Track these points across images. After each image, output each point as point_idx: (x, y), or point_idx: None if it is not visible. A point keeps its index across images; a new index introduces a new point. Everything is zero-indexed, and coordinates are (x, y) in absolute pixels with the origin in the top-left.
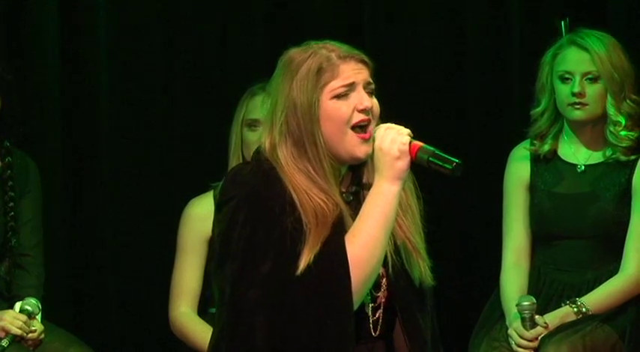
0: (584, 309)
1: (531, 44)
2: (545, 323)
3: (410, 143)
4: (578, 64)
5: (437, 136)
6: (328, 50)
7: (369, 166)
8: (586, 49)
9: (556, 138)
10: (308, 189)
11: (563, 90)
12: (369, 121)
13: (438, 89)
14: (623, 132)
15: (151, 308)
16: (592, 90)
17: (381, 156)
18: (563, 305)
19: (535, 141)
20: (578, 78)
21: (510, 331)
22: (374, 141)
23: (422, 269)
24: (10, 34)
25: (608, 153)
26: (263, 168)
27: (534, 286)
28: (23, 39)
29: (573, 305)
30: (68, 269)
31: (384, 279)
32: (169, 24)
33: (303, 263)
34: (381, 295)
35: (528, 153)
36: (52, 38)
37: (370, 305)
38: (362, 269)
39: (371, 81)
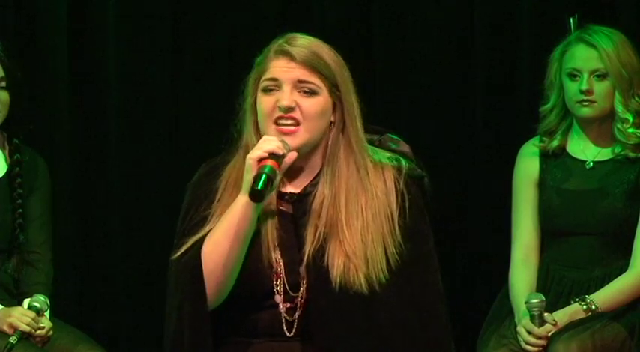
0: (593, 307)
1: (540, 40)
2: (554, 320)
3: (260, 159)
4: (586, 62)
5: (446, 133)
6: (276, 44)
7: (328, 170)
8: (594, 46)
9: (565, 134)
10: (229, 182)
11: (572, 88)
12: (290, 119)
13: (446, 86)
14: (630, 130)
15: (159, 304)
16: (600, 88)
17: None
18: (572, 302)
19: (544, 138)
20: (586, 75)
21: (519, 328)
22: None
23: (347, 270)
24: (19, 31)
25: (617, 149)
26: (217, 160)
27: (543, 283)
28: (32, 36)
29: (582, 303)
30: (77, 266)
31: (304, 280)
32: (179, 23)
33: (178, 254)
34: (300, 296)
35: (537, 149)
36: (60, 35)
37: (286, 305)
38: (208, 262)
39: (305, 80)
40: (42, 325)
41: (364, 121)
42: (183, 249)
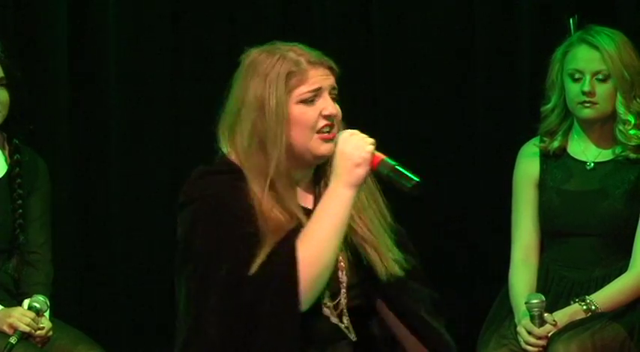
0: (593, 307)
1: (541, 40)
2: (554, 320)
3: (373, 153)
4: (589, 63)
5: (446, 133)
6: (297, 54)
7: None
8: (596, 48)
9: (566, 135)
10: (264, 196)
11: (573, 89)
12: (332, 126)
13: (447, 86)
14: (632, 131)
15: (159, 305)
16: (602, 89)
17: (341, 160)
18: (572, 303)
19: (545, 138)
20: (588, 77)
21: (519, 328)
22: (336, 143)
23: (384, 264)
24: (19, 31)
25: (618, 150)
26: (227, 171)
27: (543, 284)
28: (32, 36)
29: (582, 303)
30: (77, 266)
31: (343, 285)
32: (179, 23)
33: (256, 264)
34: (341, 302)
35: (538, 149)
36: (60, 35)
37: (334, 312)
38: (311, 271)
39: (336, 87)
40: (42, 325)
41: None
42: (258, 261)
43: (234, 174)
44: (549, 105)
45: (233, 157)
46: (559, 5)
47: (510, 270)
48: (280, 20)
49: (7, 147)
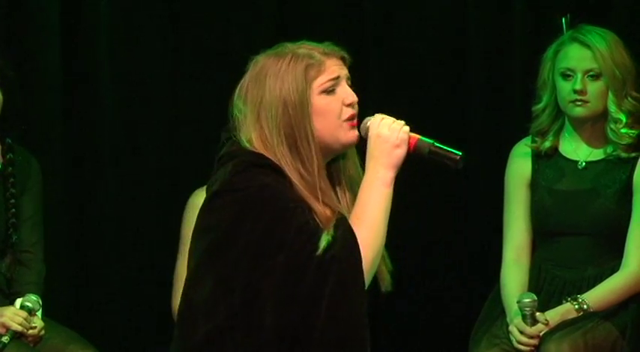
0: (585, 306)
1: (533, 40)
2: (546, 320)
3: (409, 134)
4: (580, 61)
5: (437, 133)
6: (308, 49)
7: (347, 161)
8: (588, 46)
9: (557, 134)
10: (307, 192)
11: (565, 87)
12: (355, 114)
13: (438, 85)
14: (623, 130)
15: (153, 304)
16: (593, 88)
17: (380, 143)
18: (564, 302)
19: (536, 138)
20: (579, 75)
21: (511, 328)
22: (365, 132)
23: (385, 275)
24: (10, 31)
25: (609, 150)
26: (267, 166)
27: (535, 283)
28: (24, 35)
29: (574, 302)
30: (69, 266)
31: None
32: (176, 22)
33: (321, 248)
34: None
35: (529, 149)
36: (53, 34)
37: None
38: (370, 252)
39: (349, 76)
40: (34, 325)
41: None
42: (322, 246)
43: (274, 168)
44: (541, 105)
45: (268, 154)
46: (551, 5)
47: (502, 270)
48: (276, 20)
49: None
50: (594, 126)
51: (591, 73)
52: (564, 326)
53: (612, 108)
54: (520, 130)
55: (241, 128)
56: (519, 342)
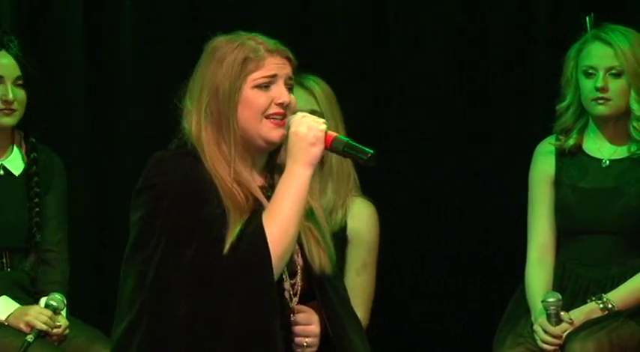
0: (609, 305)
1: (556, 39)
2: (571, 319)
3: (326, 132)
4: (602, 59)
5: (462, 132)
6: (257, 42)
7: (283, 157)
8: (610, 44)
9: (581, 132)
10: (222, 176)
11: (587, 85)
12: (284, 115)
13: (462, 84)
14: None
15: None
16: (615, 86)
17: (297, 141)
18: (588, 301)
19: (560, 136)
20: (601, 73)
21: (536, 327)
22: (288, 128)
23: (320, 257)
24: (35, 31)
25: (633, 148)
26: (187, 155)
27: (559, 282)
28: (48, 35)
29: (599, 302)
30: (93, 264)
31: (299, 268)
32: (194, 22)
33: (228, 244)
34: (297, 283)
35: (554, 148)
36: (77, 35)
37: (289, 291)
38: (279, 247)
39: (292, 77)
40: (58, 323)
41: None
42: (229, 240)
43: (191, 158)
44: (564, 103)
45: (194, 141)
46: (575, 4)
47: (526, 269)
48: (300, 20)
49: (24, 146)
50: (617, 124)
51: (613, 71)
52: (589, 325)
53: (635, 106)
54: (543, 129)
55: (186, 114)
56: (544, 341)
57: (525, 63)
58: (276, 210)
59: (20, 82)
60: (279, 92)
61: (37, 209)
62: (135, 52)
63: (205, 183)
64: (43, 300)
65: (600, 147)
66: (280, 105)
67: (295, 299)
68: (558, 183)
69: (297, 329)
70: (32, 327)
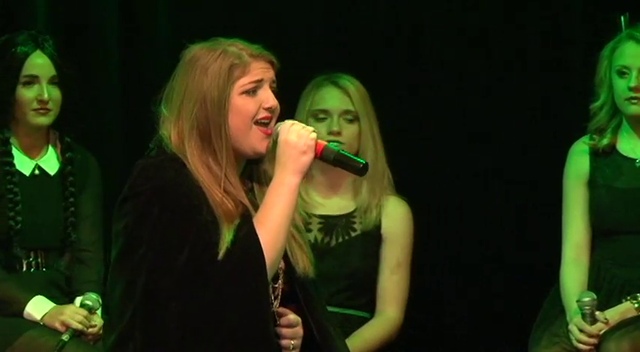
0: None
1: (592, 39)
2: (606, 319)
3: (316, 140)
4: (635, 59)
5: (496, 132)
6: (238, 48)
7: (266, 164)
8: None
9: (615, 132)
10: (211, 184)
11: (620, 85)
12: (271, 119)
13: (496, 84)
14: None
15: None
16: None
17: (287, 149)
18: (623, 301)
19: (594, 136)
20: (635, 72)
21: (571, 326)
22: (275, 136)
23: (305, 261)
24: (71, 31)
25: None
26: (172, 161)
27: (594, 282)
28: (84, 35)
29: (634, 301)
30: None
31: (281, 271)
32: (228, 24)
33: (222, 250)
34: (279, 286)
35: (588, 147)
36: (112, 35)
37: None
38: (271, 253)
39: (275, 80)
40: (94, 323)
41: None
42: (224, 246)
43: (177, 164)
44: (598, 103)
45: (174, 149)
46: (610, 4)
47: (561, 269)
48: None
49: (59, 146)
50: None
51: None
52: (624, 324)
53: None
54: (577, 129)
55: (164, 122)
56: (579, 341)
57: (560, 62)
58: (266, 217)
59: (55, 81)
60: (266, 96)
61: (72, 209)
62: (170, 52)
63: (193, 189)
64: (78, 300)
65: (634, 147)
66: (268, 109)
67: (276, 302)
68: (592, 183)
69: (286, 331)
70: (67, 327)
